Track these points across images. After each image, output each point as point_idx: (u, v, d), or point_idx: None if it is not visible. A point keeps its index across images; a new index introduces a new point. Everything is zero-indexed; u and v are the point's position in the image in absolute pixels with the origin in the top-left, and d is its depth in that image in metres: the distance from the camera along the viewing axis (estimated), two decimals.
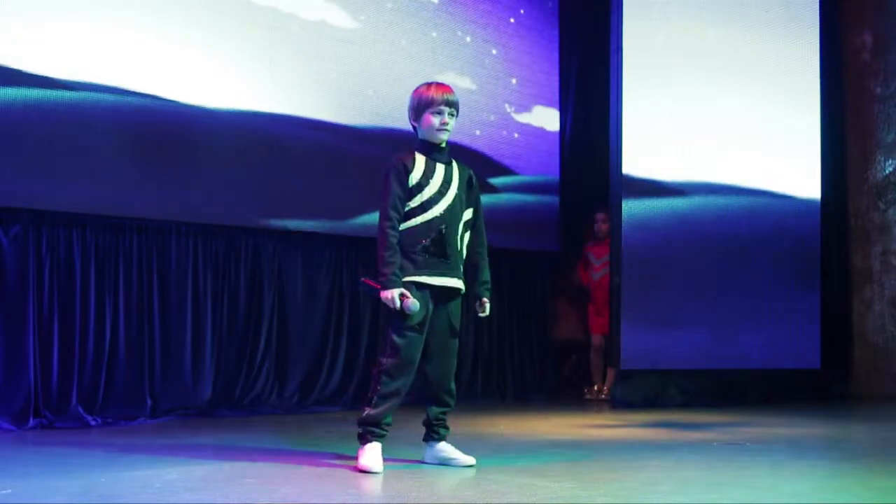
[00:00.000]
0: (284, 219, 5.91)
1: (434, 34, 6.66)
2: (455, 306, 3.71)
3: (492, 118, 6.99)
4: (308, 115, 5.99)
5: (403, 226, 3.60)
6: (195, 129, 5.49)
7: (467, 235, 3.76)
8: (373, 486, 3.27)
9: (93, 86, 5.10)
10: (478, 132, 6.90)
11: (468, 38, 6.88)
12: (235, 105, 5.66)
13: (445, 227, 3.62)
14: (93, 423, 5.03)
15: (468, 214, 3.75)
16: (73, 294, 5.11)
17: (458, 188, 3.70)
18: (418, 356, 3.61)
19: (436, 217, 3.61)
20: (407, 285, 3.55)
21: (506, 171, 7.06)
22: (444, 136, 3.67)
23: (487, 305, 3.80)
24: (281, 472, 3.51)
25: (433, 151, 3.69)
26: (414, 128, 3.73)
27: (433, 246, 3.60)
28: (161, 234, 5.50)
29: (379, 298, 3.56)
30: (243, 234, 5.85)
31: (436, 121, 3.64)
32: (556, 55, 7.51)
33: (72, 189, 5.03)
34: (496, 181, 6.97)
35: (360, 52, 6.25)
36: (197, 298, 5.64)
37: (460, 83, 6.73)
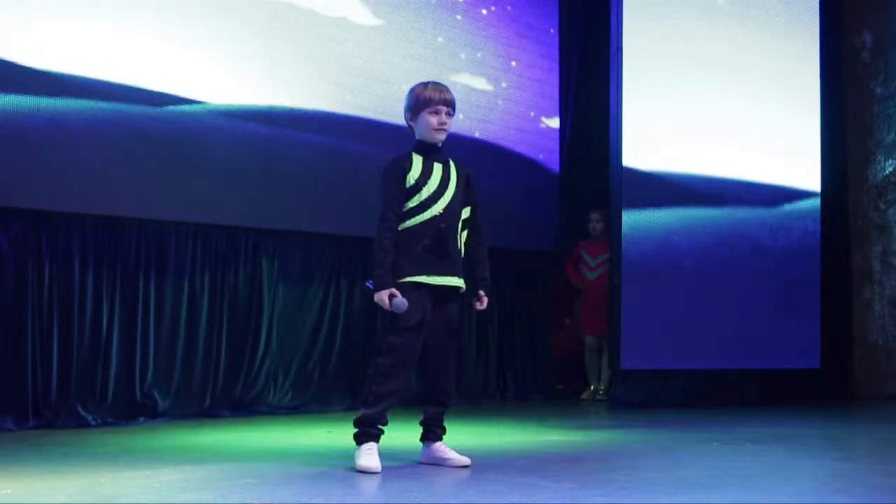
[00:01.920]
0: (284, 218, 5.91)
1: (433, 34, 6.66)
2: (454, 306, 3.71)
3: (492, 118, 6.99)
4: (308, 114, 5.99)
5: (402, 226, 3.60)
6: (195, 128, 5.49)
7: (465, 234, 3.76)
8: (372, 486, 3.27)
9: (93, 85, 5.10)
10: (477, 133, 6.90)
11: (468, 38, 6.87)
12: (235, 104, 5.66)
13: (444, 226, 3.62)
14: (92, 422, 5.03)
15: (466, 213, 3.75)
16: (73, 294, 5.11)
17: (456, 187, 3.69)
18: (415, 357, 3.61)
19: (435, 216, 3.61)
20: (406, 285, 3.55)
21: (505, 170, 7.05)
22: (442, 136, 3.67)
23: (485, 300, 3.78)
24: (281, 472, 3.51)
25: (430, 151, 3.69)
26: (410, 127, 3.73)
27: (433, 245, 3.60)
28: (160, 234, 5.50)
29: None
30: (243, 234, 5.85)
31: (434, 120, 3.64)
32: (556, 55, 7.51)
33: (72, 189, 5.03)
34: (496, 181, 6.96)
35: (360, 52, 6.25)
36: (196, 298, 5.64)
37: (460, 83, 6.73)
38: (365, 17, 6.30)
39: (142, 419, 5.26)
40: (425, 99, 3.64)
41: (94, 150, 5.10)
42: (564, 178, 7.51)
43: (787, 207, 6.89)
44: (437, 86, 3.69)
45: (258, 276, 5.92)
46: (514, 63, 7.18)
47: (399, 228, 3.59)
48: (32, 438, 4.55)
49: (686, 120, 6.62)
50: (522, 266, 7.38)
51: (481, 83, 6.94)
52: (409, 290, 3.54)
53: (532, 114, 7.29)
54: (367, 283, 3.67)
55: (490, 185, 6.85)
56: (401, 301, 3.49)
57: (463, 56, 6.83)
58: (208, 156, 5.55)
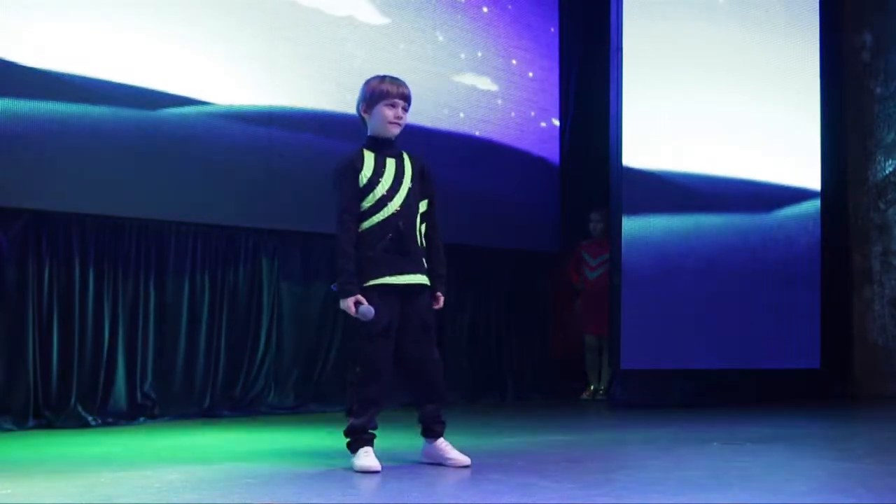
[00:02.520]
0: (284, 218, 5.91)
1: (433, 33, 6.66)
2: (423, 301, 3.62)
3: (491, 117, 6.99)
4: (309, 114, 5.99)
5: (361, 227, 3.53)
6: (195, 128, 5.49)
7: (424, 227, 3.66)
8: (372, 486, 3.27)
9: (93, 85, 5.10)
10: (477, 133, 6.90)
11: (468, 38, 6.87)
12: (235, 104, 5.66)
13: (403, 223, 3.54)
14: (92, 422, 5.03)
15: (423, 206, 3.65)
16: (73, 294, 5.11)
17: (412, 181, 3.60)
18: (389, 361, 3.55)
19: (392, 214, 3.53)
20: (370, 290, 3.50)
21: (505, 170, 7.05)
22: (396, 131, 3.60)
23: (442, 300, 3.69)
24: (281, 472, 3.51)
25: (382, 147, 3.61)
26: (363, 119, 3.64)
27: (393, 244, 3.52)
28: (160, 234, 5.50)
29: None
30: (243, 234, 5.85)
31: (390, 113, 3.57)
32: (556, 55, 7.51)
33: (72, 189, 5.03)
34: (496, 181, 6.96)
35: (360, 52, 6.24)
36: (196, 298, 5.64)
37: (460, 83, 6.73)
38: (365, 16, 6.30)
39: (142, 419, 5.26)
40: (382, 91, 3.57)
41: (94, 150, 5.10)
42: (564, 178, 7.51)
43: (787, 207, 6.89)
44: (395, 80, 3.62)
45: (258, 276, 5.92)
46: (514, 63, 7.18)
47: (358, 230, 3.53)
48: (32, 438, 4.55)
49: (686, 120, 6.62)
50: (522, 266, 7.37)
51: (481, 83, 6.94)
52: (373, 295, 3.48)
53: (532, 114, 7.29)
54: (333, 287, 3.62)
55: (490, 185, 6.87)
56: (367, 308, 3.44)
57: (463, 56, 6.83)
58: (208, 156, 5.55)
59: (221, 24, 5.62)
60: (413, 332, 3.59)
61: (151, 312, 5.44)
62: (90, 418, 5.03)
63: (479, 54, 6.94)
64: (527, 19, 7.31)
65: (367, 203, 3.54)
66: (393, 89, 3.57)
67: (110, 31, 5.16)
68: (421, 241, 3.64)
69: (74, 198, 5.05)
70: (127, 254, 5.35)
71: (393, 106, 3.57)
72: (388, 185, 3.55)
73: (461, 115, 6.79)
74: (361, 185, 3.53)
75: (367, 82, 3.63)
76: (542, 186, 7.34)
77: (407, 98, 3.61)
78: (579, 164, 7.60)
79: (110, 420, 5.13)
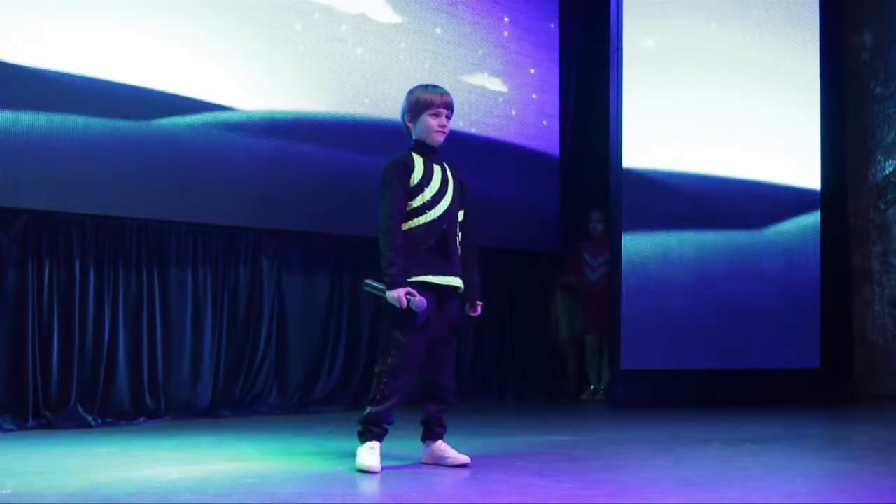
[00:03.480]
0: (284, 218, 5.91)
1: (432, 33, 6.65)
2: (455, 305, 3.74)
3: (491, 117, 6.99)
4: (309, 114, 5.99)
5: (406, 226, 3.61)
6: (195, 128, 5.49)
7: (460, 236, 3.77)
8: (372, 486, 3.27)
9: (93, 84, 5.10)
10: (474, 129, 6.89)
11: (467, 37, 6.87)
12: (236, 104, 5.66)
13: (447, 227, 3.65)
14: (93, 423, 5.03)
15: (461, 216, 3.77)
16: (73, 294, 5.11)
17: (454, 189, 3.72)
18: (422, 356, 3.62)
19: (438, 217, 3.63)
20: (412, 285, 3.55)
21: (505, 170, 7.05)
22: (441, 139, 3.70)
23: (479, 308, 3.81)
24: (281, 472, 3.51)
25: (429, 153, 3.71)
26: (407, 128, 3.74)
27: (437, 246, 3.62)
28: (161, 234, 5.50)
29: (383, 298, 3.56)
30: (243, 234, 5.85)
31: (434, 123, 3.66)
32: (556, 55, 7.51)
33: (72, 189, 5.03)
34: (496, 181, 6.96)
35: (360, 52, 6.25)
36: (197, 298, 5.64)
37: (460, 82, 6.73)
38: (364, 16, 6.29)
39: (142, 419, 5.26)
40: (426, 101, 3.66)
41: (94, 150, 5.10)
42: (564, 178, 7.51)
43: (787, 207, 6.89)
44: (437, 88, 3.72)
45: (258, 276, 5.92)
46: (514, 62, 7.18)
47: (403, 228, 3.60)
48: (32, 438, 4.55)
49: (686, 120, 6.62)
50: (523, 266, 7.38)
51: (481, 83, 6.94)
52: (417, 291, 3.55)
53: (532, 113, 7.29)
54: (369, 282, 3.66)
55: (490, 185, 6.86)
56: (420, 300, 3.51)
57: (463, 55, 6.83)
58: (209, 156, 5.55)
59: (222, 24, 5.62)
60: (441, 333, 3.67)
61: (151, 312, 5.44)
62: (90, 418, 5.03)
63: (480, 53, 6.94)
64: (527, 19, 7.30)
65: (416, 203, 3.62)
66: (437, 99, 3.67)
67: (111, 31, 5.16)
68: (459, 248, 3.74)
69: (74, 198, 5.05)
70: (127, 254, 5.35)
71: (437, 115, 3.67)
72: (436, 190, 3.65)
73: (461, 114, 6.78)
74: (412, 185, 3.61)
75: (411, 92, 3.72)
76: (542, 186, 7.34)
77: (450, 106, 3.71)
78: (579, 163, 7.60)
79: (110, 420, 5.13)
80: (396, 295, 3.51)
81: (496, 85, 7.05)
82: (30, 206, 4.94)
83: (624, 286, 6.38)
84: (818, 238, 7.03)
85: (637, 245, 6.44)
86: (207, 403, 5.62)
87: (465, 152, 6.76)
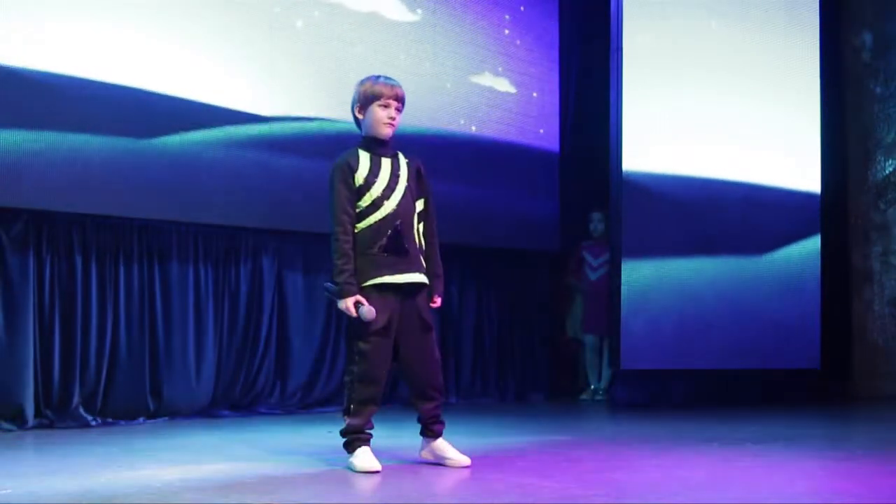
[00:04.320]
0: (284, 218, 5.90)
1: (432, 33, 6.65)
2: (421, 300, 3.63)
3: (491, 117, 6.99)
4: (309, 114, 5.99)
5: (357, 227, 3.54)
6: (195, 128, 5.48)
7: (421, 227, 3.68)
8: (372, 486, 3.27)
9: (93, 84, 5.09)
10: (474, 128, 6.89)
11: (467, 37, 6.87)
12: (236, 104, 5.65)
13: (400, 223, 3.55)
14: (93, 423, 5.03)
15: (420, 205, 3.67)
16: (74, 294, 5.11)
17: (408, 180, 3.62)
18: (387, 360, 3.55)
19: (389, 213, 3.54)
20: (368, 289, 3.50)
21: (505, 170, 7.05)
22: (390, 131, 3.61)
23: (439, 300, 3.71)
24: (281, 472, 3.51)
25: (377, 146, 3.62)
26: (357, 120, 3.66)
27: (390, 244, 3.53)
28: (161, 234, 5.50)
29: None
30: (243, 234, 5.85)
31: (383, 114, 3.58)
32: (556, 55, 7.51)
33: (72, 189, 5.02)
34: (495, 181, 6.96)
35: (360, 53, 6.24)
36: (197, 298, 5.64)
37: (460, 82, 6.73)
38: (363, 17, 6.29)
39: (142, 419, 5.26)
40: (375, 92, 3.59)
41: (94, 150, 5.09)
42: (564, 178, 7.51)
43: (787, 207, 6.89)
44: (388, 80, 3.64)
45: (258, 276, 5.92)
46: (514, 62, 7.17)
47: (355, 230, 3.53)
48: (32, 438, 4.55)
49: (686, 119, 6.62)
50: (522, 266, 7.38)
51: (481, 82, 6.94)
52: (373, 294, 3.49)
53: (532, 113, 7.29)
54: (327, 285, 3.61)
55: (490, 185, 6.87)
56: (368, 309, 3.44)
57: (463, 55, 6.83)
58: (209, 156, 5.54)
59: (224, 24, 5.61)
60: (413, 332, 3.59)
61: (152, 312, 5.44)
62: (90, 418, 5.03)
63: (480, 53, 6.94)
64: (527, 19, 7.30)
65: (364, 203, 3.54)
66: (386, 90, 3.59)
67: (110, 31, 5.16)
68: (419, 241, 3.66)
69: (74, 198, 5.05)
70: (127, 254, 5.35)
71: (386, 107, 3.59)
72: (385, 185, 3.56)
73: (461, 114, 6.78)
74: (357, 184, 3.54)
75: (361, 83, 3.65)
76: (541, 186, 7.33)
77: (400, 99, 3.62)
78: (579, 163, 7.60)
79: (110, 420, 5.13)
80: (345, 305, 3.46)
81: (496, 84, 7.05)
82: (30, 206, 4.94)
83: (624, 286, 6.38)
84: (818, 238, 7.02)
85: (636, 245, 6.43)
86: (207, 403, 5.62)
87: (464, 152, 6.78)
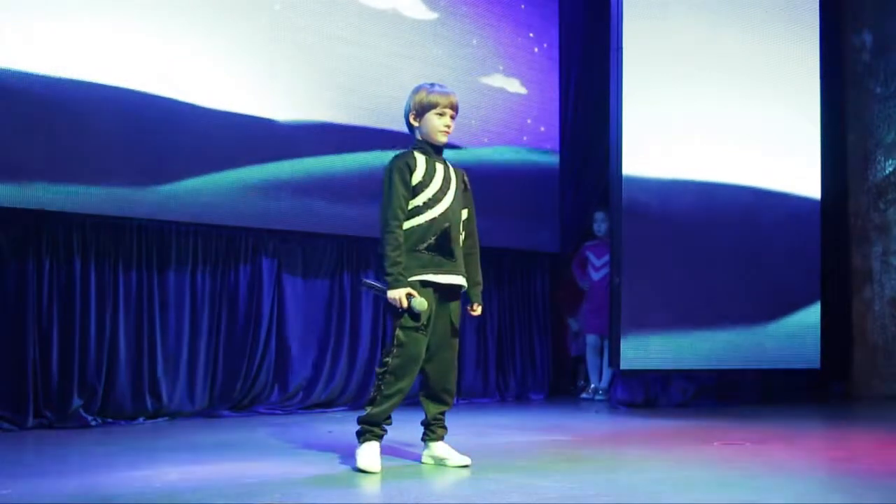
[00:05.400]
0: (284, 218, 5.90)
1: (432, 33, 6.65)
2: (456, 305, 3.74)
3: (492, 117, 6.98)
4: (309, 116, 5.98)
5: (407, 224, 3.61)
6: (196, 128, 5.48)
7: (463, 235, 3.77)
8: (372, 486, 3.27)
9: (93, 85, 5.09)
10: (474, 128, 6.89)
11: (467, 38, 6.87)
12: (236, 105, 5.65)
13: (448, 226, 3.65)
14: (93, 423, 5.03)
15: (464, 214, 3.78)
16: (73, 294, 5.11)
17: (456, 188, 3.73)
18: (422, 355, 3.62)
19: (439, 215, 3.64)
20: (413, 284, 3.56)
21: (506, 170, 7.05)
22: (445, 139, 3.72)
23: (479, 308, 3.83)
24: (281, 472, 3.51)
25: (432, 151, 3.72)
26: (411, 126, 3.75)
27: (438, 244, 3.62)
28: (161, 234, 5.50)
29: (384, 298, 3.56)
30: (243, 234, 5.85)
31: (439, 123, 3.68)
32: (556, 55, 7.51)
33: (72, 189, 5.02)
34: (496, 181, 6.96)
35: (360, 54, 6.24)
36: (197, 298, 5.64)
37: (460, 82, 6.72)
38: (363, 17, 6.29)
39: (142, 419, 5.26)
40: (432, 101, 3.68)
41: (94, 150, 5.09)
42: (565, 179, 7.51)
43: (787, 207, 6.89)
44: (443, 88, 3.73)
45: (258, 277, 5.92)
46: (513, 62, 7.17)
47: (404, 227, 3.60)
48: (32, 438, 4.55)
49: (686, 119, 6.62)
50: (522, 266, 7.38)
51: (481, 83, 6.94)
52: (417, 289, 3.56)
53: (532, 113, 7.29)
54: (367, 281, 3.67)
55: (490, 185, 6.86)
56: (420, 301, 3.52)
57: (463, 55, 6.82)
58: (208, 156, 5.54)
59: (224, 24, 5.61)
60: (442, 333, 3.68)
61: (151, 312, 5.43)
62: (90, 418, 5.03)
63: (480, 53, 6.94)
64: (527, 20, 7.30)
65: (418, 202, 3.63)
66: (443, 100, 3.69)
67: (110, 31, 5.15)
68: (461, 247, 3.74)
69: (74, 198, 5.05)
70: (127, 254, 5.35)
71: (442, 115, 3.69)
72: (438, 188, 3.66)
73: (461, 113, 6.77)
74: (414, 183, 3.62)
75: (416, 91, 3.73)
76: (542, 186, 7.33)
77: (455, 107, 3.73)
78: (579, 164, 7.60)
79: (110, 420, 5.13)
80: (397, 296, 3.52)
81: (496, 84, 7.04)
82: (30, 206, 4.94)
83: (624, 286, 6.38)
84: (818, 238, 7.03)
85: (637, 245, 6.43)
86: (207, 403, 5.62)
87: (464, 152, 6.77)
